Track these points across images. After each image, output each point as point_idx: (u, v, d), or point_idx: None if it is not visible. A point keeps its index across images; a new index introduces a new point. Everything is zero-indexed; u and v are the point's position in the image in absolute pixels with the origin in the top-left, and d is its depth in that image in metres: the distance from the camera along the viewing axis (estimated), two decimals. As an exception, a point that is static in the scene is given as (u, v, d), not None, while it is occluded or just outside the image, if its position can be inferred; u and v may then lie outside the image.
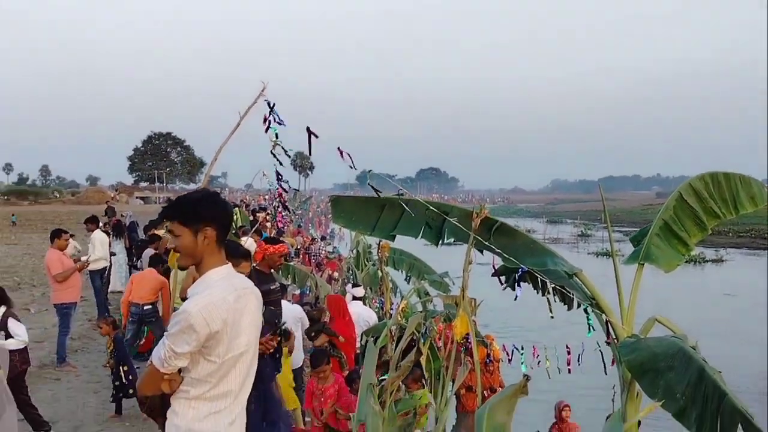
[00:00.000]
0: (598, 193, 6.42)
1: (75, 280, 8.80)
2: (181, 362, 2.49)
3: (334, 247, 25.19)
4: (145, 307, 8.78)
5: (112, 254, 12.59)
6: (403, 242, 6.19)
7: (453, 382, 4.92)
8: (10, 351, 5.88)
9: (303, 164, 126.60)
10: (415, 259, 10.97)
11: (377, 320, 8.79)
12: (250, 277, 3.57)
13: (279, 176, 5.11)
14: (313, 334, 7.06)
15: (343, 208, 5.09)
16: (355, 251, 15.77)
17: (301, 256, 17.17)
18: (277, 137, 4.49)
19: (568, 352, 5.81)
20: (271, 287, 5.38)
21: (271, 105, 4.39)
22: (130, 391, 6.85)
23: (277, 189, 5.59)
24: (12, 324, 5.96)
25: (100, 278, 11.45)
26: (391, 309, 9.14)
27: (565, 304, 4.82)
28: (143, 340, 9.26)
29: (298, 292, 11.84)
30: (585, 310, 4.40)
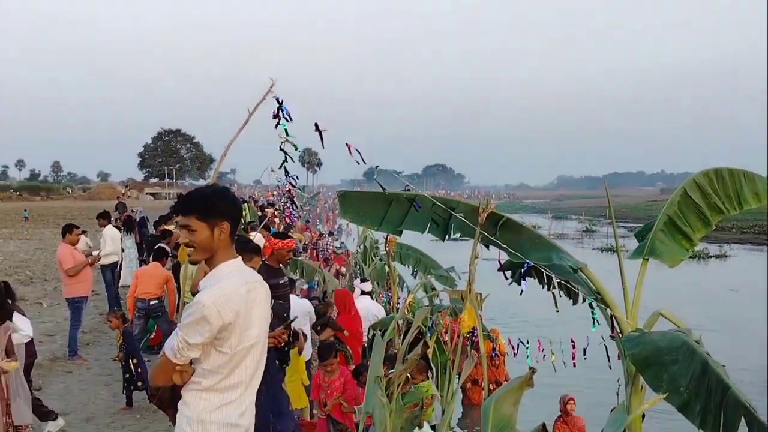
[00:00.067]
0: (603, 189, 6.47)
1: (86, 275, 8.90)
2: (194, 353, 2.52)
3: (342, 243, 25.28)
4: (152, 302, 8.87)
5: (122, 249, 12.72)
6: (410, 237, 6.24)
7: (459, 375, 4.97)
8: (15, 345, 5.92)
9: (311, 160, 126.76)
10: (421, 254, 11.00)
11: (385, 315, 8.86)
12: (259, 271, 3.63)
13: (287, 172, 5.16)
14: (318, 328, 7.13)
15: (351, 204, 5.13)
16: (362, 246, 15.84)
17: (309, 251, 17.24)
18: (287, 133, 4.53)
19: (573, 346, 5.84)
20: (280, 281, 5.43)
21: (280, 101, 4.41)
22: (139, 384, 6.93)
23: (286, 185, 5.62)
24: (16, 318, 5.94)
25: (111, 273, 11.60)
26: (398, 303, 9.20)
27: (570, 298, 4.86)
28: (153, 334, 9.36)
29: (306, 286, 11.91)
30: (590, 305, 4.42)
